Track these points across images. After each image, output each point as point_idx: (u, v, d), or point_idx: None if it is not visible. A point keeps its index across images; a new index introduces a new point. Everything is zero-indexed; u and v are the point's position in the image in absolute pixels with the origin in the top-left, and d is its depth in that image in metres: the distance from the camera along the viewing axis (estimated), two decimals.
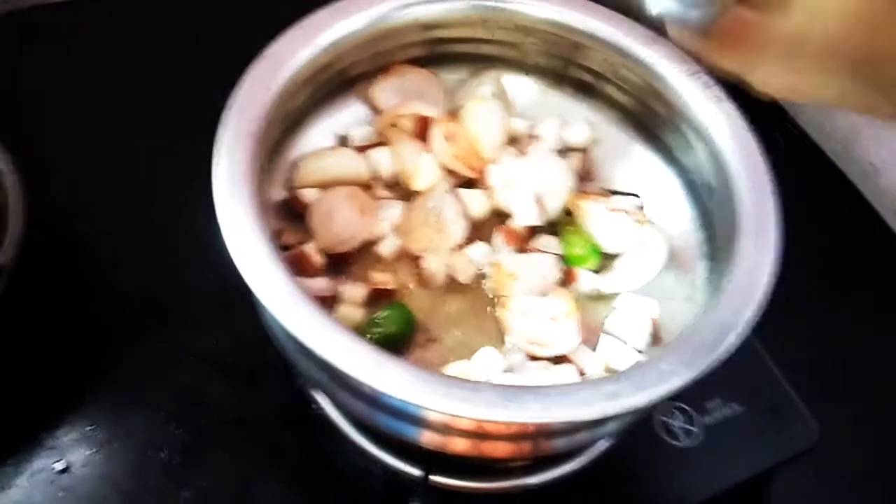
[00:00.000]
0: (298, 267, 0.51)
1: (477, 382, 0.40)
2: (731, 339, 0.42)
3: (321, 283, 0.52)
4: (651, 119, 0.58)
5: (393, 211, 0.56)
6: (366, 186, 0.57)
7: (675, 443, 0.59)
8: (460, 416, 0.38)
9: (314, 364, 0.43)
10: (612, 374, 0.41)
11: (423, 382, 0.38)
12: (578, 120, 0.61)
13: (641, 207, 0.58)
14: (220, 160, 0.45)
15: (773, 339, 0.61)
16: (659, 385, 0.40)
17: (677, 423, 0.60)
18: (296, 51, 0.51)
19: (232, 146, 0.45)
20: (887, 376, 0.70)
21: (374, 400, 0.42)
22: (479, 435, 0.44)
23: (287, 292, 0.40)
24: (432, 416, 0.41)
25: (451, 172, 0.59)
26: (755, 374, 0.63)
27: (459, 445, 0.45)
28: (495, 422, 0.39)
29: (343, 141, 0.59)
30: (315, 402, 0.57)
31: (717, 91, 0.53)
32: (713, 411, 0.61)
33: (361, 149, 0.58)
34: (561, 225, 0.57)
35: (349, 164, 0.57)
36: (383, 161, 0.58)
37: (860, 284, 0.78)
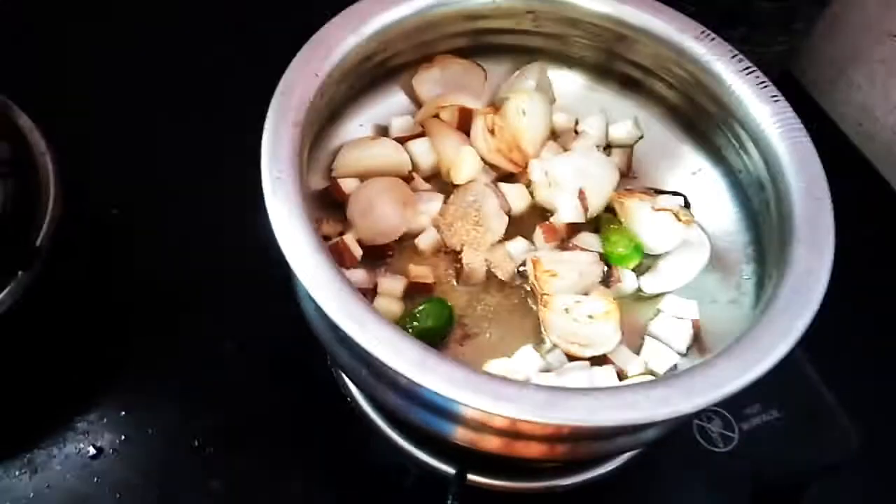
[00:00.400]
0: (337, 258, 0.51)
1: (523, 383, 0.39)
2: (784, 348, 0.41)
3: (359, 275, 0.51)
4: (700, 117, 0.57)
5: (432, 204, 0.55)
6: (406, 178, 0.56)
7: (712, 448, 0.58)
8: (507, 417, 0.37)
9: (355, 357, 0.43)
10: (662, 379, 0.40)
11: (469, 381, 0.38)
12: (624, 116, 0.60)
13: (687, 207, 0.57)
14: (268, 149, 0.44)
15: (814, 344, 0.59)
16: (710, 392, 0.39)
17: (715, 428, 0.59)
18: (342, 38, 0.50)
19: (278, 133, 0.45)
20: None
21: (413, 395, 0.42)
22: (516, 435, 0.43)
23: (334, 283, 0.40)
24: (471, 414, 0.40)
25: (492, 166, 0.58)
26: (795, 380, 0.61)
27: (494, 443, 0.44)
28: (542, 423, 0.38)
29: (384, 131, 0.58)
30: (350, 395, 0.56)
31: (772, 89, 0.52)
32: (752, 417, 0.59)
33: (402, 139, 0.57)
34: (603, 223, 0.56)
35: (389, 155, 0.56)
36: (424, 153, 0.57)
37: None
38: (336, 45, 0.50)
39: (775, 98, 0.51)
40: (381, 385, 0.44)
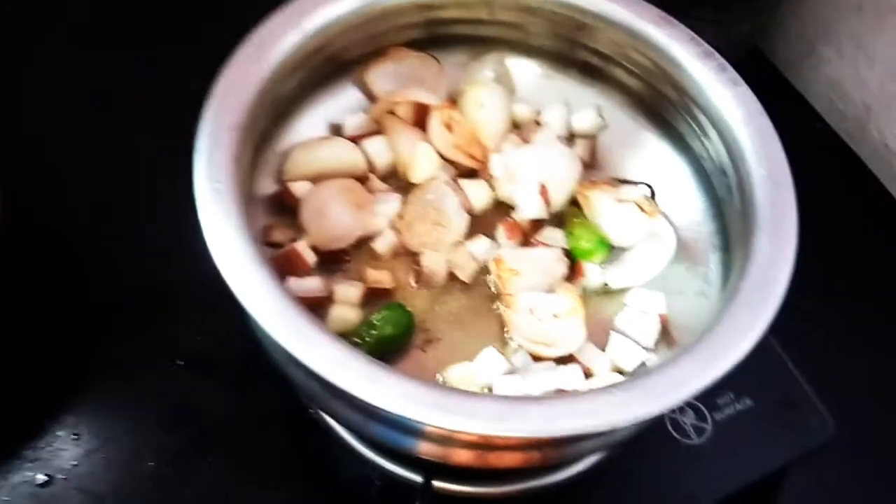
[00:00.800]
0: (289, 266, 0.49)
1: (476, 394, 0.37)
2: (747, 344, 0.40)
3: (313, 283, 0.49)
4: (662, 104, 0.55)
5: (390, 205, 0.53)
6: (361, 179, 0.54)
7: (686, 440, 0.57)
8: (460, 431, 0.35)
9: (305, 373, 0.41)
10: (622, 382, 0.39)
11: (419, 395, 0.36)
12: (585, 105, 0.58)
13: (652, 197, 0.55)
14: (201, 156, 0.42)
15: (786, 330, 0.57)
16: (672, 393, 0.38)
17: (688, 419, 0.58)
18: (282, 35, 0.48)
19: (214, 140, 0.43)
20: None
21: (366, 411, 0.40)
22: (484, 446, 0.42)
23: (273, 299, 0.38)
24: (429, 428, 0.38)
25: (450, 162, 0.56)
26: (768, 368, 0.60)
27: (462, 457, 0.42)
28: (498, 436, 0.36)
29: (336, 130, 0.56)
30: (311, 406, 0.55)
31: (732, 74, 0.50)
32: (725, 407, 0.59)
33: (356, 138, 0.55)
34: (567, 217, 0.55)
35: (343, 155, 0.54)
36: (379, 151, 0.55)
37: (875, 272, 0.75)
38: (275, 42, 0.47)
39: (736, 82, 0.49)
40: (334, 400, 0.42)
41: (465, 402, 0.36)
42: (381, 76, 0.57)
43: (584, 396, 0.38)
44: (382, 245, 0.52)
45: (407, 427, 0.40)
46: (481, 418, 0.36)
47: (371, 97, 0.57)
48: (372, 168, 0.55)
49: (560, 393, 0.45)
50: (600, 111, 0.58)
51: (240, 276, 0.38)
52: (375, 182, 0.55)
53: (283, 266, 0.49)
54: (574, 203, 0.55)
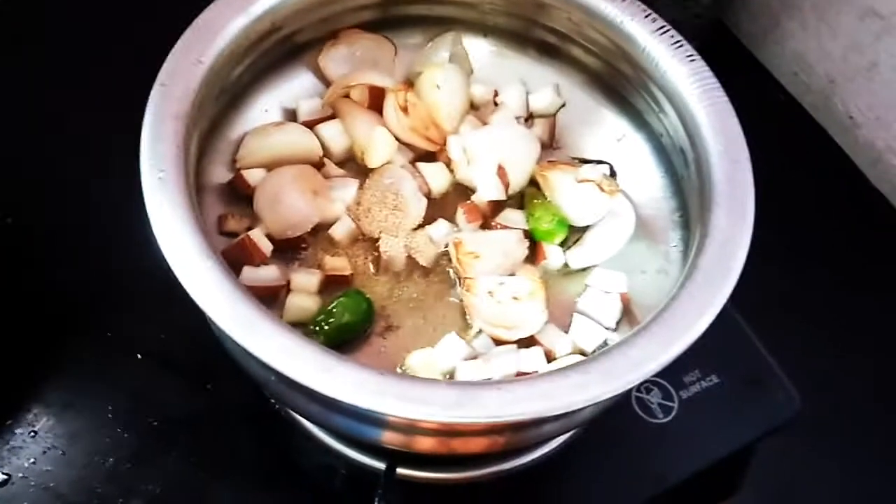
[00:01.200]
0: (244, 255, 0.48)
1: (432, 381, 0.37)
2: (705, 321, 0.40)
3: (269, 272, 0.48)
4: (619, 81, 0.54)
5: (347, 190, 0.53)
6: (316, 164, 0.53)
7: (652, 420, 0.57)
8: (414, 419, 0.35)
9: (260, 367, 0.40)
10: (580, 363, 0.38)
11: (373, 384, 0.35)
12: (543, 84, 0.57)
13: (612, 175, 0.55)
14: (146, 145, 0.41)
15: (750, 303, 0.58)
16: (630, 373, 0.37)
17: (654, 398, 0.58)
18: (229, 19, 0.47)
19: (158, 129, 0.41)
20: (870, 338, 0.68)
21: (322, 401, 0.39)
22: (446, 432, 0.41)
23: (223, 290, 0.37)
24: (390, 418, 0.38)
25: (408, 146, 0.55)
26: (733, 344, 0.60)
27: (424, 444, 0.42)
28: (455, 423, 0.36)
29: (291, 115, 0.55)
30: (272, 397, 0.54)
31: (688, 49, 0.49)
32: (691, 385, 0.59)
33: (310, 123, 0.54)
34: (527, 198, 0.54)
35: (297, 141, 0.53)
36: (334, 136, 0.54)
37: (841, 244, 0.75)
38: (221, 27, 0.46)
39: (691, 58, 0.49)
40: (291, 392, 0.41)
41: (421, 389, 0.36)
42: (334, 59, 0.56)
43: (540, 379, 0.37)
44: (340, 231, 0.52)
45: (365, 416, 0.40)
46: (437, 405, 0.35)
47: (325, 81, 0.56)
48: (328, 153, 0.54)
49: (518, 376, 0.45)
50: (558, 90, 0.57)
51: (188, 268, 0.37)
52: (331, 167, 0.54)
53: (239, 255, 0.48)
54: (534, 184, 0.55)
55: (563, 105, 0.57)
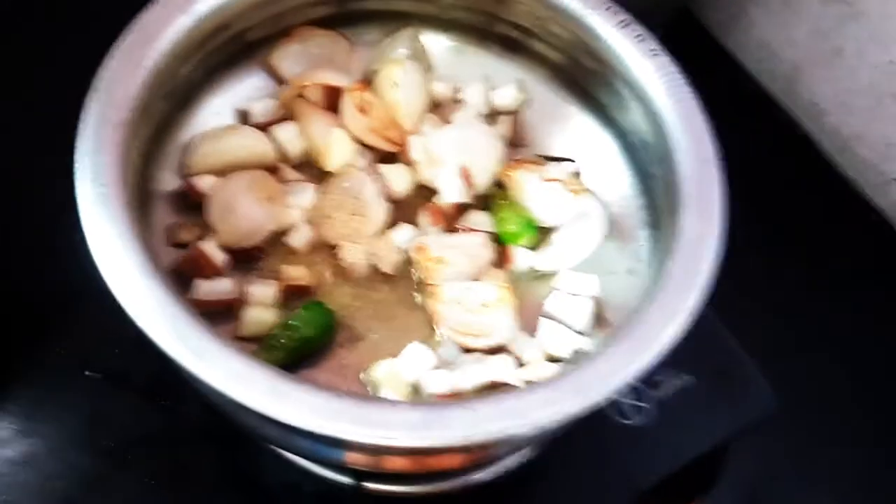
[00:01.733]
0: (196, 268, 0.46)
1: (392, 402, 0.35)
2: (675, 329, 0.38)
3: (223, 285, 0.46)
4: (584, 76, 0.53)
5: (304, 196, 0.50)
6: (271, 169, 0.51)
7: (625, 422, 0.56)
8: (376, 444, 0.33)
9: (212, 392, 0.38)
10: (549, 379, 0.37)
11: (331, 408, 0.33)
12: (506, 80, 0.56)
13: (578, 174, 0.53)
14: (84, 157, 0.38)
15: (722, 300, 0.57)
16: (598, 387, 0.36)
17: (627, 400, 0.57)
18: (169, 20, 0.44)
19: (97, 138, 0.39)
20: (844, 332, 0.67)
21: (284, 427, 0.37)
22: (413, 452, 0.39)
23: (166, 312, 0.35)
24: (346, 441, 0.36)
25: (367, 147, 0.53)
26: (706, 341, 0.58)
27: (391, 463, 0.40)
28: (419, 446, 0.34)
29: (244, 117, 0.53)
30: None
31: (652, 43, 0.48)
32: (664, 384, 0.58)
33: (264, 126, 0.52)
34: (493, 200, 0.52)
35: (250, 145, 0.51)
36: (290, 138, 0.52)
37: (810, 233, 0.75)
38: (162, 28, 0.44)
39: (655, 52, 0.47)
40: (247, 416, 0.39)
41: (382, 411, 0.34)
42: (288, 57, 0.54)
43: (508, 396, 0.35)
44: (298, 239, 0.49)
45: (326, 439, 0.38)
46: (400, 428, 0.33)
47: (279, 80, 0.54)
48: (283, 157, 0.52)
49: (487, 389, 0.43)
50: (521, 86, 0.55)
51: (129, 289, 0.35)
52: (287, 172, 0.51)
53: (190, 268, 0.46)
54: (499, 185, 0.53)
55: (527, 101, 0.56)
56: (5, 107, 0.64)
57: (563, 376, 0.36)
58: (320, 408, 0.33)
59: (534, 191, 0.51)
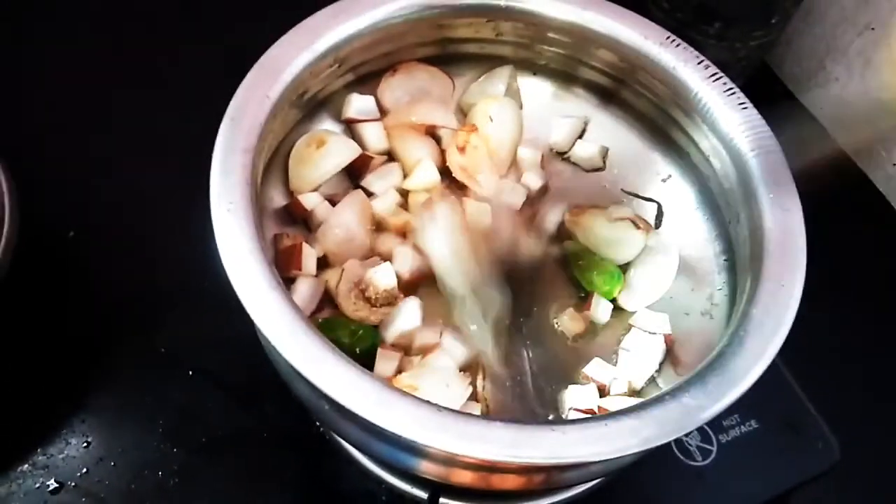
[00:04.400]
0: (288, 261, 0.49)
1: (488, 419, 0.37)
2: (758, 370, 0.40)
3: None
4: (667, 124, 0.55)
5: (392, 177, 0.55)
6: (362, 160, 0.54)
7: (690, 462, 0.57)
8: (472, 457, 0.36)
9: (316, 394, 0.41)
10: (634, 409, 0.39)
11: (431, 420, 0.36)
12: (592, 124, 0.58)
13: (660, 216, 0.55)
14: (216, 179, 0.42)
15: (792, 352, 0.58)
16: (684, 420, 0.38)
17: (693, 440, 0.58)
18: (294, 56, 0.48)
19: (228, 162, 0.43)
20: None
21: (376, 433, 0.40)
22: (485, 469, 0.42)
23: (289, 323, 0.38)
24: (435, 451, 0.39)
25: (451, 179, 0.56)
26: (774, 390, 0.60)
27: (463, 477, 0.43)
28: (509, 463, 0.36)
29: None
30: (318, 421, 0.55)
31: (740, 96, 0.50)
32: (730, 429, 0.59)
33: (355, 121, 0.55)
34: (571, 258, 0.54)
35: (341, 163, 0.53)
36: (377, 141, 0.55)
37: (884, 292, 0.74)
38: (287, 63, 0.48)
39: (743, 105, 0.49)
40: (342, 420, 0.42)
41: (478, 427, 0.36)
42: (392, 89, 0.57)
43: (595, 422, 0.38)
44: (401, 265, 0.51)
45: (414, 449, 0.41)
46: (495, 444, 0.36)
47: (383, 111, 0.57)
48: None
49: (573, 417, 0.45)
50: (606, 130, 0.58)
51: (256, 300, 0.38)
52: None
53: (285, 259, 0.49)
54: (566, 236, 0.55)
55: (610, 146, 0.58)
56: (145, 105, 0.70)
57: (649, 407, 0.38)
58: (423, 419, 0.36)
59: (602, 231, 0.53)
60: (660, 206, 0.57)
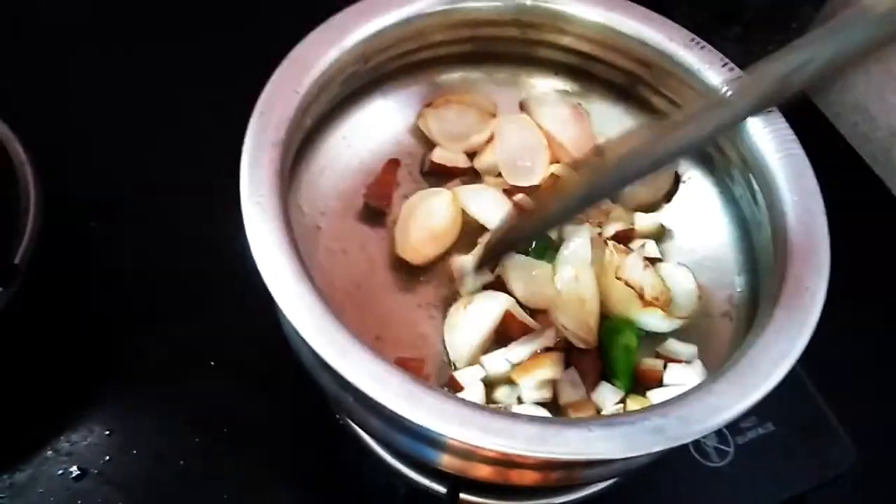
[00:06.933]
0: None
1: (514, 414, 0.38)
2: (782, 371, 0.40)
3: None
4: None
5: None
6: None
7: (707, 462, 0.57)
8: (497, 451, 0.36)
9: (340, 385, 0.41)
10: (657, 407, 0.39)
11: (457, 414, 0.36)
12: (612, 122, 0.58)
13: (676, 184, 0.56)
14: (246, 172, 0.42)
15: (811, 356, 0.58)
16: (707, 419, 0.38)
17: (710, 442, 0.58)
18: (323, 52, 0.49)
19: (258, 155, 0.43)
20: None
21: (399, 425, 0.41)
22: (506, 463, 0.42)
23: (318, 316, 0.38)
24: (458, 444, 0.39)
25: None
26: (792, 393, 0.60)
27: (484, 471, 0.43)
28: (534, 457, 0.37)
29: (369, 142, 0.56)
30: (339, 413, 0.55)
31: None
32: (747, 431, 0.59)
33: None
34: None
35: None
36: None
37: None
38: (316, 59, 0.48)
39: (769, 110, 0.49)
40: (366, 412, 0.43)
41: (504, 422, 0.37)
42: (437, 119, 0.57)
43: (619, 420, 0.38)
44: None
45: (437, 442, 0.41)
46: (520, 439, 0.36)
47: (428, 143, 0.57)
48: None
49: (593, 416, 0.46)
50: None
51: (285, 291, 0.39)
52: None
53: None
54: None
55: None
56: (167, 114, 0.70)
57: (672, 405, 0.39)
58: (449, 413, 0.36)
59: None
60: (677, 175, 0.56)
